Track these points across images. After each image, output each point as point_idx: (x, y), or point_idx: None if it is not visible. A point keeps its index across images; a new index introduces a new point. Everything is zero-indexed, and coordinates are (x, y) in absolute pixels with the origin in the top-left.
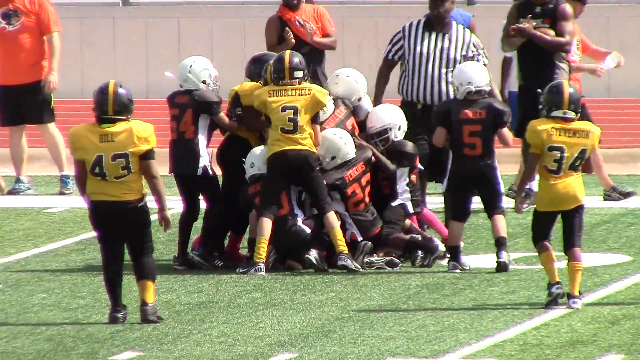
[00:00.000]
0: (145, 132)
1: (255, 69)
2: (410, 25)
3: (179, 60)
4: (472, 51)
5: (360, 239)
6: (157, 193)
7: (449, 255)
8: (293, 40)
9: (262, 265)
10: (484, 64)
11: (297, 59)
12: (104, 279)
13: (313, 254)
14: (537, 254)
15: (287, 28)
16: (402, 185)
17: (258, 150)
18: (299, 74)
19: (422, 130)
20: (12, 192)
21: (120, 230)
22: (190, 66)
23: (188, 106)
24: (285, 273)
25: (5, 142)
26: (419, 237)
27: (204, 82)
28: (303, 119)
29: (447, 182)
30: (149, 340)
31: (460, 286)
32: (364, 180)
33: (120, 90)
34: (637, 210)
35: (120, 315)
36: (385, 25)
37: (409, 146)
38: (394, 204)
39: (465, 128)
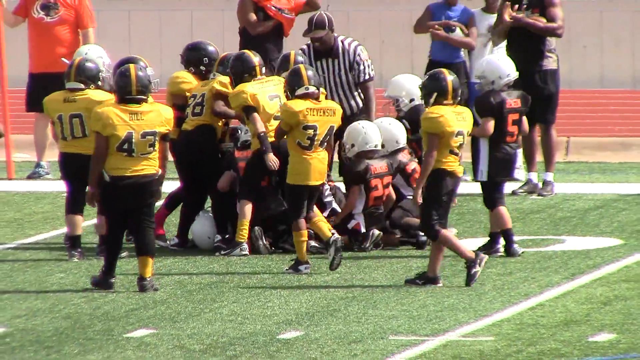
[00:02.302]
0: (169, 114)
1: (190, 55)
2: (303, 51)
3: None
4: (355, 69)
5: (363, 230)
6: (164, 172)
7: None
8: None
9: (245, 245)
10: (364, 79)
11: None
12: (106, 247)
13: (312, 244)
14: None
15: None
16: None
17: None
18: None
19: None
20: (32, 176)
21: (132, 204)
22: (85, 54)
23: None
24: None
25: (29, 129)
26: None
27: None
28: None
29: (489, 171)
30: (162, 319)
31: (460, 268)
32: (385, 180)
33: (140, 72)
34: (629, 197)
35: (114, 281)
36: (388, 18)
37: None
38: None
39: (509, 117)
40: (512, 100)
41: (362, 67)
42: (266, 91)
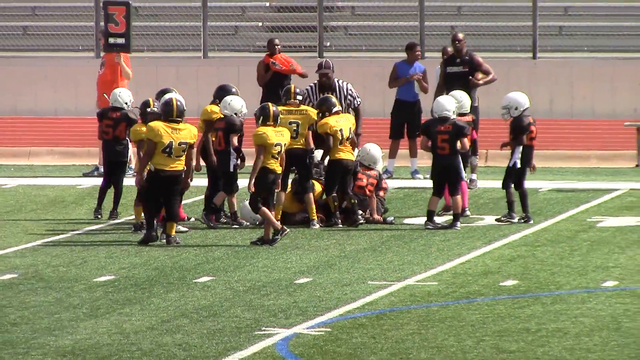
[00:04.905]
0: (196, 130)
1: (218, 94)
2: (311, 88)
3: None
4: (349, 99)
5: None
6: (190, 168)
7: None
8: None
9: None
10: (357, 105)
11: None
12: (146, 214)
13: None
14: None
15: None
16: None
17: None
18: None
19: None
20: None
21: (165, 188)
22: (119, 94)
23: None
24: (305, 228)
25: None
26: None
27: (126, 103)
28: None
29: (432, 171)
30: (218, 270)
31: (415, 236)
32: (372, 180)
33: (179, 103)
34: (528, 189)
35: (155, 234)
36: (368, 71)
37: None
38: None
39: (439, 137)
40: (443, 126)
41: (354, 98)
42: (288, 118)
